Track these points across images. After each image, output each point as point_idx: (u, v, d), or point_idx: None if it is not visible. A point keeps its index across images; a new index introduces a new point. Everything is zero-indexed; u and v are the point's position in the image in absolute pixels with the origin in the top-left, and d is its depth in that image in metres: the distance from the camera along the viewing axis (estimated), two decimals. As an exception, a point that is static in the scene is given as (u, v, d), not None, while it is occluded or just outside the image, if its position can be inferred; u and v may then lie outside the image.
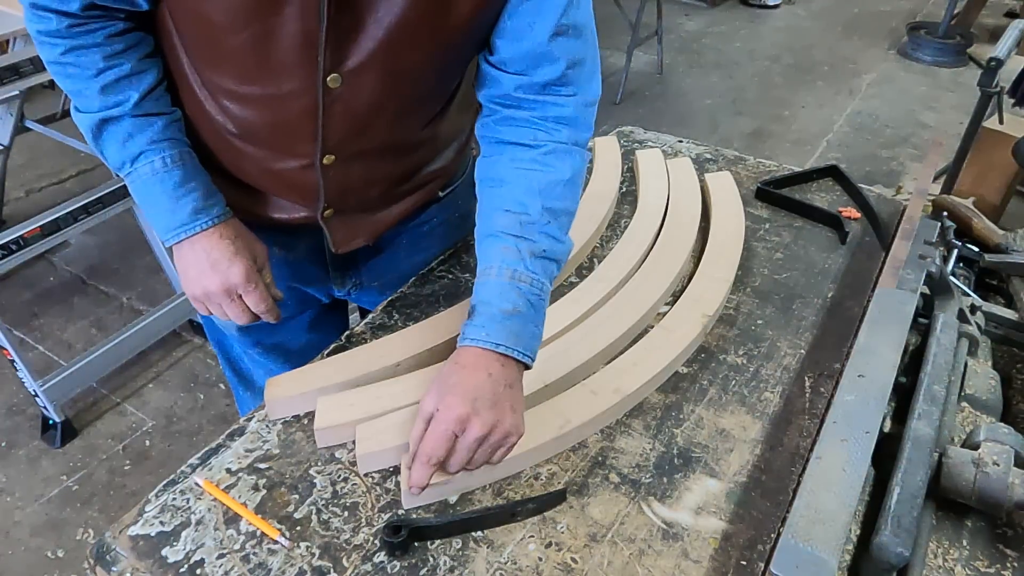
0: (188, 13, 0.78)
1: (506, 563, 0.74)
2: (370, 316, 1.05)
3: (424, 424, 0.77)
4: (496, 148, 0.88)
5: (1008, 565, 0.73)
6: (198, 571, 0.72)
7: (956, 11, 4.81)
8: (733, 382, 0.96)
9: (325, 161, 0.89)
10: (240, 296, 0.91)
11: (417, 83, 0.86)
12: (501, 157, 0.87)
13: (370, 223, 1.03)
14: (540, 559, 0.74)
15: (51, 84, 3.45)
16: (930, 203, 1.26)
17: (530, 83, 0.84)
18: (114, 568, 0.73)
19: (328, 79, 0.79)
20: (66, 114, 3.08)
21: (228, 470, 0.82)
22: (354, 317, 1.36)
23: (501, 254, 0.82)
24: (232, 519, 0.77)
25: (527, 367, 0.82)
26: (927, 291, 1.00)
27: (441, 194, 1.10)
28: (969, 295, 1.05)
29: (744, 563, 0.74)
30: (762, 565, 0.74)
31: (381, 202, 1.03)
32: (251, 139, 0.89)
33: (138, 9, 0.81)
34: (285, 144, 0.88)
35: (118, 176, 0.91)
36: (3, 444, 2.10)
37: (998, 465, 0.72)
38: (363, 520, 0.77)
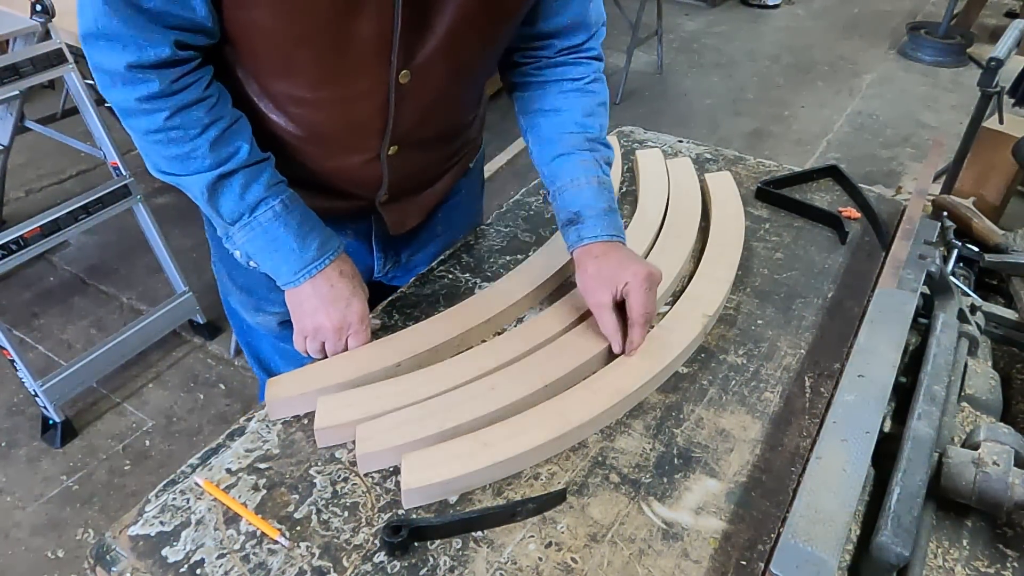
0: (261, 30, 0.77)
1: (506, 563, 0.74)
2: (371, 317, 1.05)
3: (611, 312, 0.91)
4: (540, 86, 0.99)
5: (1008, 565, 0.73)
6: (198, 571, 0.72)
7: (956, 11, 4.81)
8: (733, 382, 0.96)
9: (390, 152, 0.93)
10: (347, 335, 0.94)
11: (476, 68, 0.93)
12: (548, 91, 0.99)
13: (420, 202, 1.10)
14: (540, 559, 0.74)
15: (51, 84, 3.45)
16: (930, 203, 1.26)
17: (569, 44, 0.97)
18: (114, 568, 0.73)
19: (400, 76, 0.82)
20: (66, 114, 3.08)
21: (228, 470, 0.82)
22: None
23: (582, 167, 0.95)
24: (232, 519, 0.77)
25: None
26: (927, 291, 1.00)
27: (471, 165, 1.17)
28: (969, 295, 1.05)
29: (744, 563, 0.74)
30: (762, 565, 0.73)
31: (430, 181, 1.09)
32: (319, 140, 0.91)
33: (212, 41, 0.80)
34: (354, 141, 0.91)
35: (227, 230, 0.89)
36: (3, 444, 2.10)
37: (998, 465, 0.72)
38: (363, 520, 0.77)
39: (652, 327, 0.96)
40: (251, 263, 0.93)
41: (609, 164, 0.99)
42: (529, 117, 1.00)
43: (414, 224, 1.11)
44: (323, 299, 0.91)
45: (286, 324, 1.13)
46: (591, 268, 0.92)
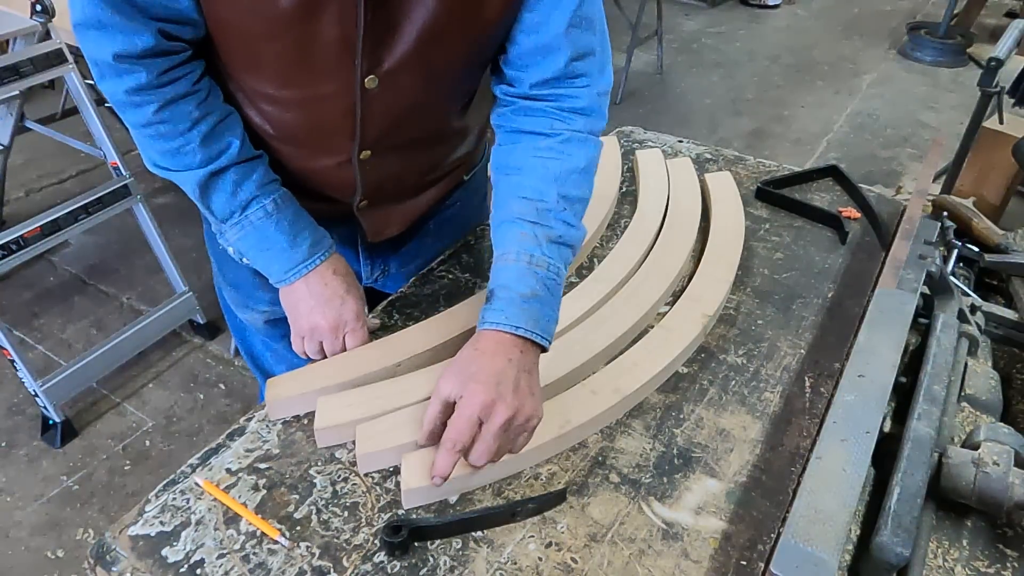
0: (228, 25, 0.78)
1: (506, 563, 0.74)
2: (370, 316, 1.05)
3: (440, 405, 0.77)
4: (513, 137, 0.90)
5: (1008, 565, 0.73)
6: (198, 571, 0.72)
7: (956, 11, 4.81)
8: (733, 382, 0.96)
9: (362, 156, 0.91)
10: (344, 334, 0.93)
11: (450, 80, 0.89)
12: (517, 146, 0.88)
13: (402, 212, 1.07)
14: (540, 559, 0.74)
15: (51, 84, 3.45)
16: (930, 203, 1.26)
17: (546, 75, 0.85)
18: (114, 568, 0.73)
19: (366, 80, 0.80)
20: (66, 114, 3.09)
21: (228, 470, 0.82)
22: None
23: (519, 240, 0.83)
24: (232, 519, 0.77)
25: (543, 350, 0.83)
26: (927, 291, 1.00)
27: (466, 177, 1.14)
28: (969, 295, 1.05)
29: (744, 563, 0.74)
30: (762, 565, 0.73)
31: (413, 191, 1.06)
32: (289, 140, 0.90)
33: (198, 33, 0.80)
34: (323, 143, 0.90)
35: (219, 227, 0.89)
36: (3, 444, 2.10)
37: (998, 465, 0.72)
38: (363, 520, 0.77)
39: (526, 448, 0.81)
40: (244, 260, 0.93)
41: (565, 244, 0.85)
42: (495, 175, 0.91)
43: (395, 232, 1.08)
44: (318, 298, 0.91)
45: (271, 324, 1.13)
46: (463, 354, 0.80)
